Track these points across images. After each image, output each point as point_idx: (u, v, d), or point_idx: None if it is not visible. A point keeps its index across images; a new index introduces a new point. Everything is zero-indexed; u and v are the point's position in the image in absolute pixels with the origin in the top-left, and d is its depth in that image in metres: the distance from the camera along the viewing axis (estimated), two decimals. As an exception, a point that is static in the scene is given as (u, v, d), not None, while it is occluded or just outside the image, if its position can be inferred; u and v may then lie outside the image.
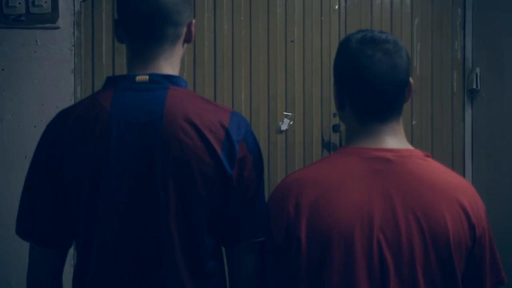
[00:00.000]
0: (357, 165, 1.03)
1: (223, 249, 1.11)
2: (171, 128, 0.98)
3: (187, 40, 1.11)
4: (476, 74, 2.32)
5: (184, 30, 1.09)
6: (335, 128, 2.29)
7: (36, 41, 2.10)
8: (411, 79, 1.10)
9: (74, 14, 2.16)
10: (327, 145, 2.29)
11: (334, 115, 2.28)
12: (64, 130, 1.02)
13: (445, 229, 0.99)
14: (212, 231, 1.03)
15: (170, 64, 1.07)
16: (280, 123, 2.26)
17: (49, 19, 2.09)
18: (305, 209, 1.01)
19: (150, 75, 1.03)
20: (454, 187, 1.03)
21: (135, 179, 0.98)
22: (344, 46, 1.10)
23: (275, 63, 2.26)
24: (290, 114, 2.27)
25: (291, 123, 2.27)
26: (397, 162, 1.03)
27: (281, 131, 2.26)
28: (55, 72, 2.12)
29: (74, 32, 2.16)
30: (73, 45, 2.14)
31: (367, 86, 1.04)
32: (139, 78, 1.02)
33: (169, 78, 1.05)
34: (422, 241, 0.98)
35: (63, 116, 1.05)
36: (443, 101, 2.41)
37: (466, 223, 1.01)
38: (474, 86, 2.33)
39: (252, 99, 2.25)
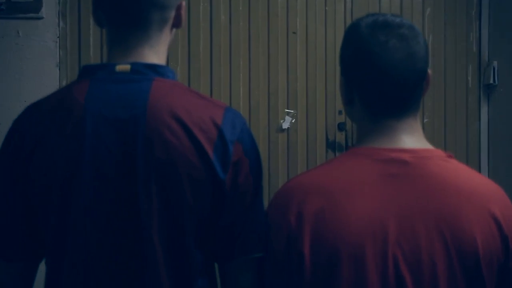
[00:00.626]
0: (369, 168, 0.98)
1: (216, 266, 1.06)
2: (155, 126, 0.93)
3: (176, 25, 1.05)
4: (494, 68, 2.28)
5: (172, 14, 1.03)
6: (341, 127, 2.27)
7: (18, 32, 2.08)
8: (429, 70, 1.04)
9: (59, 3, 2.13)
10: (332, 145, 2.28)
11: (340, 112, 2.27)
12: (32, 127, 0.97)
13: (473, 242, 0.93)
14: (202, 245, 0.98)
15: (155, 52, 1.02)
16: (281, 121, 2.25)
17: (32, 8, 2.05)
18: (308, 219, 0.96)
19: (132, 64, 0.98)
20: (483, 192, 0.97)
21: (113, 184, 0.93)
22: (353, 31, 1.04)
23: (275, 56, 2.24)
24: (292, 111, 2.25)
25: (293, 121, 2.25)
26: (415, 164, 0.97)
27: (282, 130, 2.24)
28: (38, 66, 2.09)
29: (59, 23, 2.12)
30: (58, 37, 2.11)
31: (380, 77, 0.99)
32: (119, 67, 0.98)
33: (154, 68, 1.00)
34: (446, 256, 0.92)
35: (32, 111, 1.00)
36: (457, 97, 2.36)
37: (498, 235, 0.95)
38: (491, 81, 2.29)
39: (251, 95, 2.23)
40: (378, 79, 0.99)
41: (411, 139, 1.02)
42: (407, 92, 1.00)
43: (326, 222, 0.95)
